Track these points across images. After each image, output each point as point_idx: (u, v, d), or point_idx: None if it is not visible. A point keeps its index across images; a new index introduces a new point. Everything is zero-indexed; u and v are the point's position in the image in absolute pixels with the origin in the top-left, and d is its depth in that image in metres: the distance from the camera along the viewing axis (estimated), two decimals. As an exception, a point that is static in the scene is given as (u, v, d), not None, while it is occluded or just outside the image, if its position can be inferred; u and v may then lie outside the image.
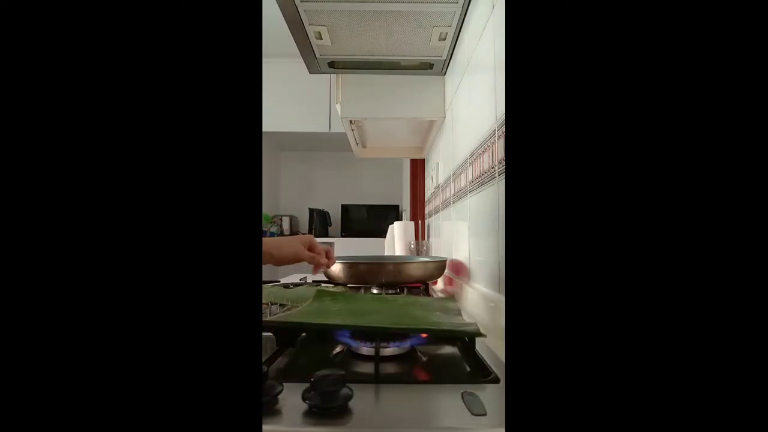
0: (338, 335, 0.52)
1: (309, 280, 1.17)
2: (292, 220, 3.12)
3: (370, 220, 3.11)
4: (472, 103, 0.89)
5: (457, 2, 0.88)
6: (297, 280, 1.19)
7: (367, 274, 0.87)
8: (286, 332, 0.54)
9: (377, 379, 0.42)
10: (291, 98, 2.71)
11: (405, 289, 0.95)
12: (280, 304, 0.74)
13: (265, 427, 0.30)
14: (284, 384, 0.36)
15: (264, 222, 2.91)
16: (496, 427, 0.31)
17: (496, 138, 0.70)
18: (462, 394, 0.37)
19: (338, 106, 1.35)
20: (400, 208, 3.18)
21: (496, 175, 0.69)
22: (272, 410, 0.34)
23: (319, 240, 0.72)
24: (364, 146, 1.79)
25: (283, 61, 2.65)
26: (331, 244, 2.84)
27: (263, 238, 0.71)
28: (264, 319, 0.56)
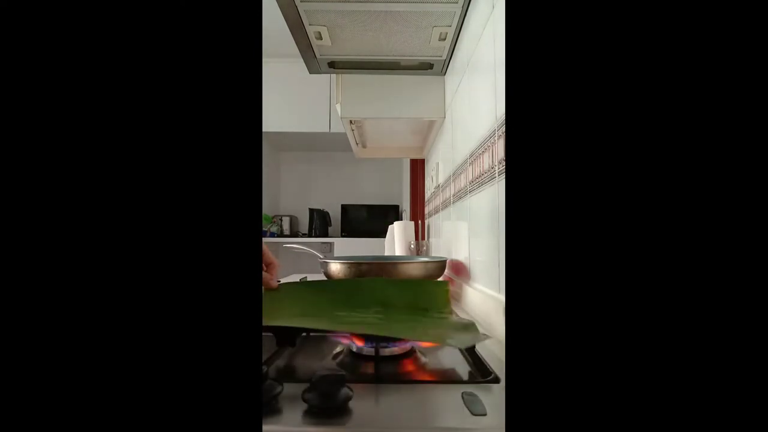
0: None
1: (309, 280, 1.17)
2: (292, 220, 3.12)
3: (370, 220, 3.11)
4: (472, 103, 0.89)
5: (457, 2, 0.88)
6: (297, 280, 1.19)
7: (367, 274, 0.87)
8: (286, 332, 0.54)
9: (377, 379, 0.42)
10: (291, 98, 2.71)
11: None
12: None
13: (265, 427, 0.30)
14: (284, 384, 0.36)
15: (264, 222, 2.91)
16: (496, 427, 0.31)
17: (496, 138, 0.70)
18: (462, 394, 0.37)
19: (338, 106, 1.35)
20: (400, 208, 3.18)
21: (496, 175, 0.69)
22: (272, 410, 0.34)
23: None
24: (364, 146, 1.79)
25: (283, 61, 2.65)
26: (331, 244, 2.84)
27: None
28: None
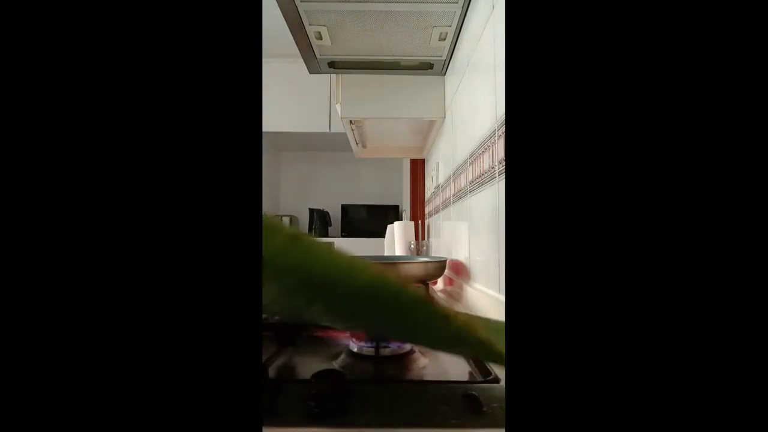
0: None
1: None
2: (292, 220, 3.12)
3: (370, 220, 3.11)
4: (472, 103, 0.89)
5: (457, 2, 0.88)
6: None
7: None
8: (286, 332, 0.54)
9: (377, 379, 0.42)
10: (291, 98, 2.71)
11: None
12: None
13: (264, 428, 0.30)
14: (284, 384, 0.36)
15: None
16: (496, 427, 0.31)
17: (496, 138, 0.70)
18: (462, 394, 0.37)
19: (338, 106, 1.35)
20: (400, 208, 3.18)
21: (496, 175, 0.69)
22: (272, 410, 0.34)
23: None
24: (364, 146, 1.79)
25: (283, 61, 2.65)
26: (331, 244, 2.84)
27: None
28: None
